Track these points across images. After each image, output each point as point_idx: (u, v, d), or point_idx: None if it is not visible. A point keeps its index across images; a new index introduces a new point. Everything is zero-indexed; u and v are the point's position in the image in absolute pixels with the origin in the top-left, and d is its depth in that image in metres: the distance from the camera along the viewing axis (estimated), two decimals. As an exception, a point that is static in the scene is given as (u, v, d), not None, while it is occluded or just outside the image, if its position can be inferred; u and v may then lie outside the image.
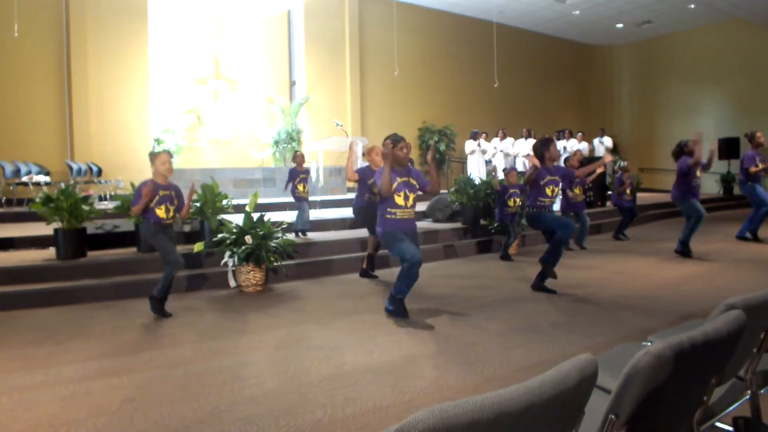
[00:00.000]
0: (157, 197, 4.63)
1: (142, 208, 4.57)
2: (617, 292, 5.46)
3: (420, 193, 4.66)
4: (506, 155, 13.78)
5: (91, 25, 11.45)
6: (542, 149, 5.41)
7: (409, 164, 4.72)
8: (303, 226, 7.48)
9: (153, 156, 4.76)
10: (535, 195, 5.39)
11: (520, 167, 12.88)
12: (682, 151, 7.26)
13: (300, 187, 7.64)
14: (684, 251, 7.32)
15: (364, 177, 6.07)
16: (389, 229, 4.43)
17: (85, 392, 3.12)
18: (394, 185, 4.35)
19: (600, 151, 14.98)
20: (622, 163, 9.79)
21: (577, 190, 8.32)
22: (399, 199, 4.37)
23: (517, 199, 7.52)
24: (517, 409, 0.97)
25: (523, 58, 18.30)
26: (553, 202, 5.45)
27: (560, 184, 5.50)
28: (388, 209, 4.39)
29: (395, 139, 4.46)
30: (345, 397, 2.99)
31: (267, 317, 4.78)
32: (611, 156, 6.86)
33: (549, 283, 5.51)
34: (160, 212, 4.65)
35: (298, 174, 7.69)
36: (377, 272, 6.50)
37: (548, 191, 5.35)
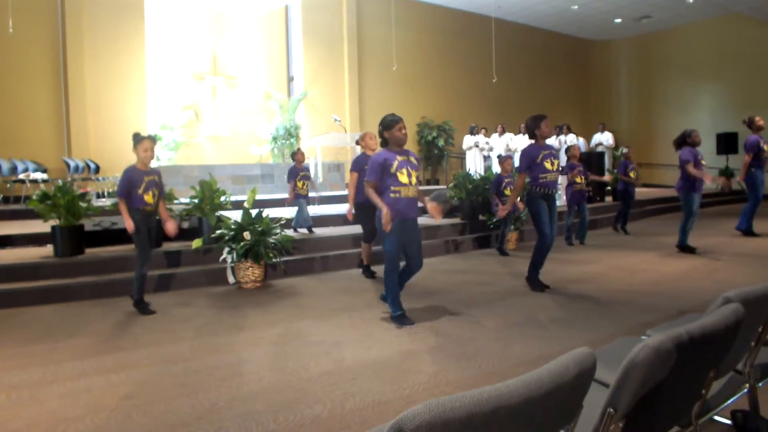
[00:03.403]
0: (143, 183, 4.67)
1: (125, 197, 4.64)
2: (616, 287, 5.47)
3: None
4: (506, 150, 13.77)
5: (87, 21, 11.40)
6: (533, 126, 5.26)
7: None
8: (305, 223, 7.43)
9: (137, 140, 4.74)
10: (536, 174, 5.19)
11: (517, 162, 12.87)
12: (684, 140, 7.18)
13: (300, 185, 7.61)
14: (684, 249, 7.29)
15: (360, 167, 5.92)
16: (393, 214, 4.22)
17: (83, 389, 3.11)
18: (395, 164, 4.26)
19: (601, 142, 15.01)
20: (623, 150, 9.77)
21: (578, 179, 8.31)
22: (402, 177, 4.25)
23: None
24: (515, 402, 0.96)
25: (521, 53, 18.26)
26: (556, 178, 5.28)
27: (557, 156, 5.36)
28: (392, 188, 4.23)
29: (393, 120, 4.35)
30: (344, 392, 2.99)
31: (266, 313, 4.78)
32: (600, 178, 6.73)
33: (543, 279, 5.49)
34: (148, 197, 4.69)
35: (298, 172, 7.65)
36: (374, 269, 6.48)
37: (548, 165, 5.18)
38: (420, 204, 4.52)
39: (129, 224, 4.60)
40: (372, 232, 6.02)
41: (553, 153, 5.30)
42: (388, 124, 4.34)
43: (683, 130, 7.29)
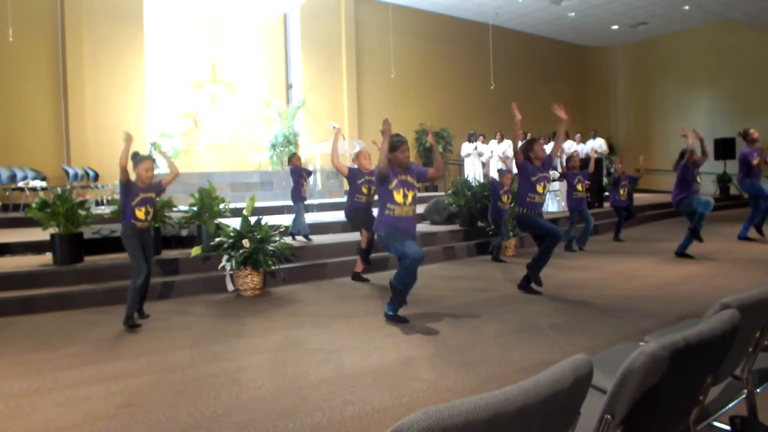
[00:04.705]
0: (138, 198, 4.65)
1: (125, 163, 4.56)
2: (615, 293, 5.47)
3: (420, 185, 4.70)
4: (504, 157, 13.78)
5: (86, 29, 11.44)
6: (527, 149, 5.40)
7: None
8: (303, 230, 7.42)
9: (137, 160, 4.71)
10: (524, 192, 5.31)
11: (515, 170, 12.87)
12: (683, 159, 7.25)
13: (303, 185, 7.65)
14: (685, 253, 7.31)
15: (353, 178, 6.08)
16: (387, 228, 4.41)
17: (82, 398, 3.11)
18: (393, 183, 4.37)
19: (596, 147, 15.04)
20: (617, 166, 9.79)
21: (579, 187, 8.33)
22: (397, 196, 4.38)
23: (510, 196, 7.52)
24: (512, 409, 0.97)
25: (518, 60, 18.34)
26: (543, 201, 5.40)
27: (551, 181, 5.50)
28: (387, 205, 4.40)
29: (398, 140, 4.48)
30: (343, 399, 2.98)
31: (265, 321, 4.77)
32: (595, 152, 6.81)
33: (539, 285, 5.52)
34: (140, 213, 4.66)
35: (302, 171, 7.69)
36: (370, 276, 6.47)
37: (539, 188, 5.30)
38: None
39: (128, 138, 4.54)
40: (369, 224, 6.06)
41: (547, 177, 5.44)
42: (393, 145, 4.45)
43: (681, 151, 7.33)
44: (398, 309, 4.56)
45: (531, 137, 5.62)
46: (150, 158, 4.79)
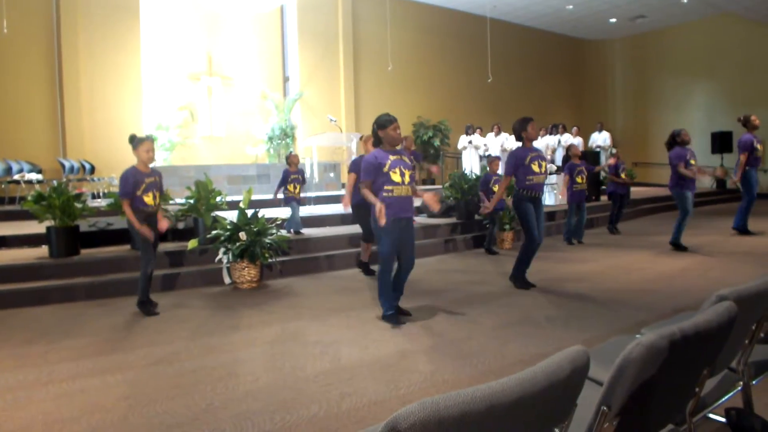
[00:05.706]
0: (144, 185, 4.66)
1: (130, 199, 4.59)
2: (612, 286, 5.48)
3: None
4: (503, 150, 13.77)
5: (82, 21, 11.36)
6: (520, 129, 5.31)
7: (402, 147, 4.65)
8: (296, 227, 7.42)
9: (137, 141, 4.68)
10: (523, 176, 5.22)
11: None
12: (674, 141, 7.23)
13: (290, 188, 7.59)
14: (677, 247, 7.35)
15: (358, 168, 6.00)
16: (387, 216, 4.27)
17: (79, 390, 3.10)
18: (387, 164, 4.28)
19: (598, 142, 15.05)
20: (612, 151, 9.81)
21: (579, 179, 8.31)
22: (395, 176, 4.27)
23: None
24: (509, 401, 0.97)
25: (516, 53, 18.29)
26: (543, 180, 5.31)
27: (545, 159, 5.41)
28: (385, 187, 4.25)
29: (387, 119, 4.36)
30: (340, 392, 2.99)
31: (262, 314, 4.77)
32: (600, 167, 6.80)
33: (536, 277, 5.51)
34: (148, 199, 4.68)
35: (290, 175, 7.65)
36: (373, 268, 6.51)
37: (535, 167, 5.20)
38: (418, 198, 4.52)
39: (143, 231, 4.55)
40: (371, 232, 6.07)
41: (541, 155, 5.36)
42: (383, 123, 4.36)
43: (672, 131, 7.34)
44: (393, 305, 4.44)
45: (525, 117, 5.44)
46: (149, 139, 4.76)
